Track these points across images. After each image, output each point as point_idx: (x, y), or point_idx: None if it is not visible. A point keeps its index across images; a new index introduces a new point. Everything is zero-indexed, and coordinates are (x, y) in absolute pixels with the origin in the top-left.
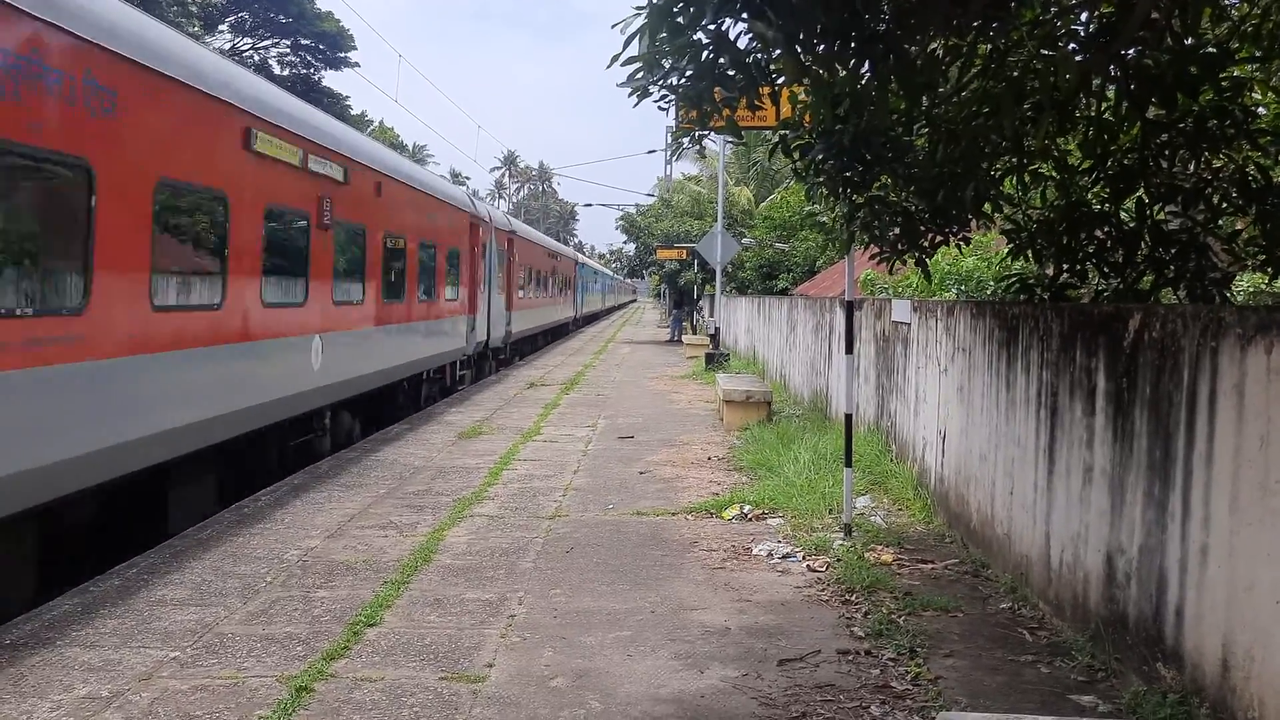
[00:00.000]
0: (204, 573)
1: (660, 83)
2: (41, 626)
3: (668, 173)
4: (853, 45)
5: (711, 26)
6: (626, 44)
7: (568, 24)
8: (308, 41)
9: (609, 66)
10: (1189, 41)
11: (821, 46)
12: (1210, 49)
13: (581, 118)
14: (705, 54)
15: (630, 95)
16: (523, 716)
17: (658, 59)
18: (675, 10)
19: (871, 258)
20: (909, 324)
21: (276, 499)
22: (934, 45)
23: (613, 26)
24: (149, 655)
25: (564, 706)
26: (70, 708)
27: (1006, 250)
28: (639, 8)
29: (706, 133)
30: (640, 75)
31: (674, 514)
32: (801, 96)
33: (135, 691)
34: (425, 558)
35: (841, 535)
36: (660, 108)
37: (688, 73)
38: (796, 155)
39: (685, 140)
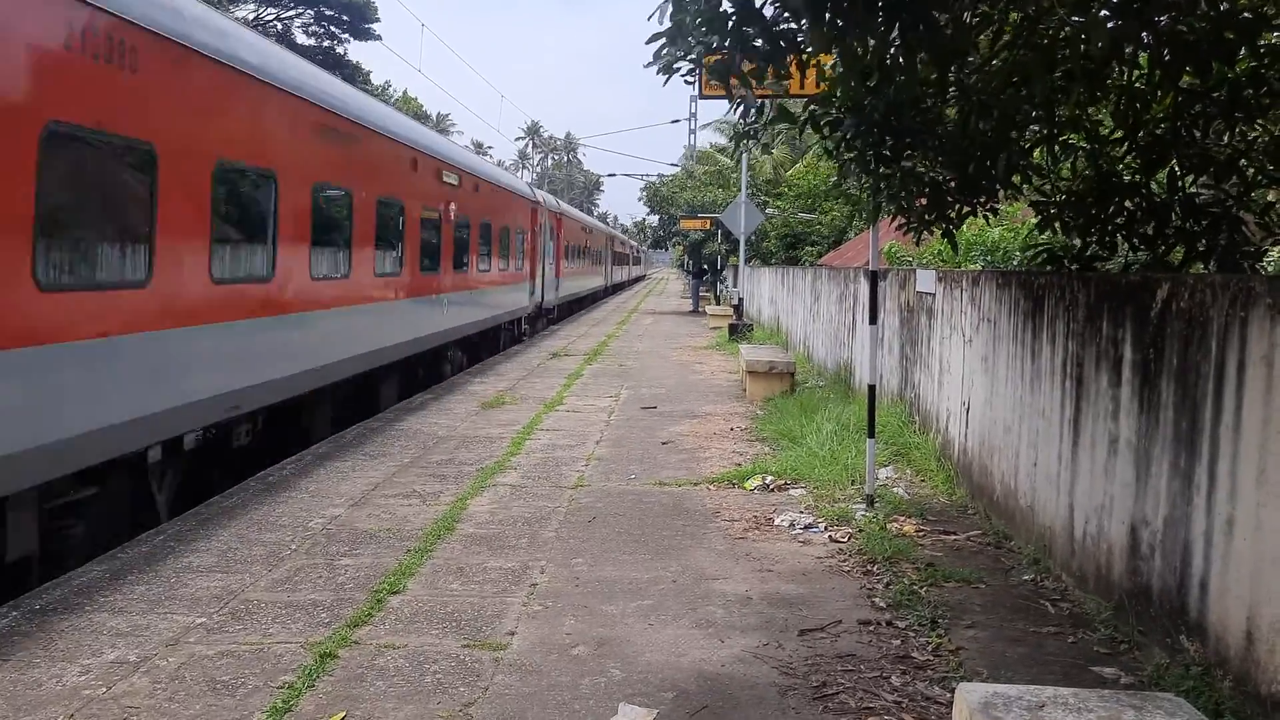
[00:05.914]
0: (230, 540)
1: (687, 57)
2: (71, 592)
3: (692, 142)
4: (880, 13)
5: None
6: (662, 19)
7: None
8: (331, 12)
9: (648, 65)
10: (1224, 7)
11: (849, 13)
12: (1247, 14)
13: (607, 85)
14: (731, 24)
15: (659, 74)
16: (544, 684)
17: (683, 32)
18: None
19: (898, 228)
20: (934, 294)
21: (301, 468)
22: (964, 13)
23: (649, 18)
24: (176, 621)
25: (585, 674)
26: (99, 671)
27: (1034, 221)
28: None
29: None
30: (666, 51)
31: (696, 484)
32: (829, 68)
33: (162, 656)
34: (448, 526)
35: (864, 506)
36: (687, 81)
37: (713, 44)
38: (826, 131)
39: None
